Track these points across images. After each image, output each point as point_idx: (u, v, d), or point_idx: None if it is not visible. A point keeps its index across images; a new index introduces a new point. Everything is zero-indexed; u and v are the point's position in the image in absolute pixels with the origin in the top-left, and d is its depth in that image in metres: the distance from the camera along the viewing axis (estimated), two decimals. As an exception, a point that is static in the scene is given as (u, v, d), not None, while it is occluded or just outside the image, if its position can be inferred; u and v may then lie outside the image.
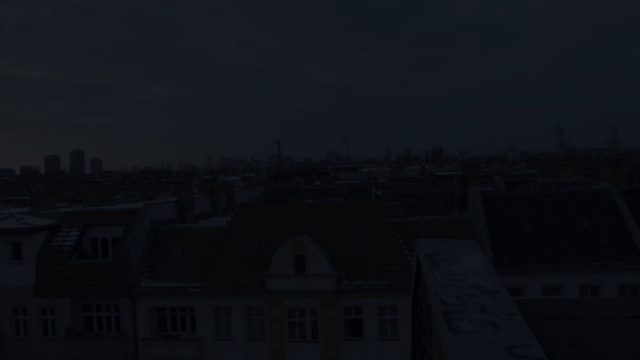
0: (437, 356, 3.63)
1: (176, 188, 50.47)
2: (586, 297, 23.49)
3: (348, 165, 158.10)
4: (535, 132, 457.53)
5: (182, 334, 26.37)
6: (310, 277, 24.96)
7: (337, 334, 24.82)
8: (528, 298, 22.72)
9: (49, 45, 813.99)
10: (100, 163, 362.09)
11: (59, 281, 26.93)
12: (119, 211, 29.77)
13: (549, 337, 3.78)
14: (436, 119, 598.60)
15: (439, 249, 4.64)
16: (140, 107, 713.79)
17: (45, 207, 33.22)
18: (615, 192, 27.10)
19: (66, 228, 28.68)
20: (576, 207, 26.73)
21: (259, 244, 26.60)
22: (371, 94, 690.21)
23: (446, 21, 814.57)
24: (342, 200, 37.83)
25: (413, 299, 5.36)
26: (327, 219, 27.10)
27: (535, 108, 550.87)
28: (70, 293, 26.83)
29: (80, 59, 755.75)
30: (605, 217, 26.10)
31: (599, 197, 27.21)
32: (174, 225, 29.68)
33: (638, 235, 24.95)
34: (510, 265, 24.39)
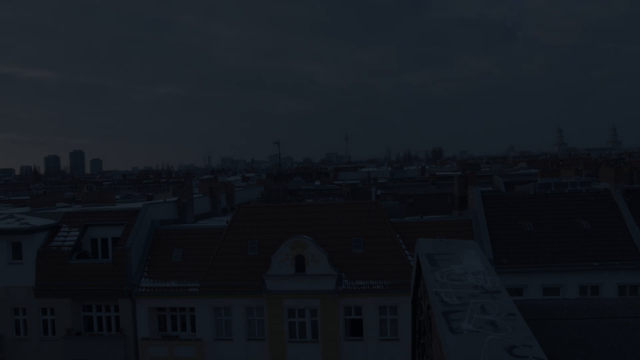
0: (437, 356, 3.63)
1: (176, 188, 50.49)
2: (586, 297, 23.48)
3: (348, 165, 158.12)
4: (535, 132, 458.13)
5: (182, 334, 26.36)
6: (310, 277, 24.96)
7: (337, 334, 24.81)
8: (528, 298, 22.72)
9: (48, 45, 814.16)
10: (100, 163, 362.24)
11: (59, 281, 26.92)
12: (119, 211, 29.77)
13: (549, 337, 3.78)
14: (436, 119, 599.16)
15: (439, 249, 4.64)
16: (140, 107, 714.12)
17: (45, 207, 33.21)
18: (615, 192, 27.09)
19: (66, 228, 28.67)
20: (576, 207, 26.72)
21: (259, 244, 26.59)
22: (371, 93, 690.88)
23: (446, 20, 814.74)
24: (342, 200, 37.85)
25: (413, 299, 5.35)
26: (327, 219, 27.09)
27: (536, 108, 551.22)
28: (70, 293, 26.83)
29: (80, 58, 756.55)
30: (605, 217, 26.09)
31: (599, 197, 27.21)
32: (174, 225, 29.67)
33: (638, 235, 24.94)
34: (510, 265, 24.39)
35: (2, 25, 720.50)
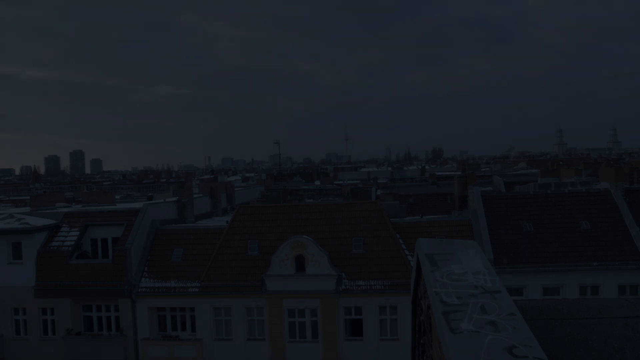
0: (437, 356, 3.62)
1: (176, 188, 50.45)
2: (586, 297, 23.47)
3: (348, 165, 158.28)
4: (535, 132, 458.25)
5: (182, 334, 26.36)
6: (310, 277, 24.95)
7: (337, 334, 24.80)
8: (528, 298, 22.71)
9: (48, 45, 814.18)
10: (100, 163, 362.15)
11: (59, 281, 26.91)
12: (119, 211, 29.76)
13: (549, 337, 3.78)
14: (436, 119, 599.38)
15: (439, 249, 4.64)
16: (140, 107, 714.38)
17: (45, 207, 33.21)
18: (615, 192, 27.08)
19: (66, 228, 28.66)
20: (576, 207, 26.71)
21: (259, 244, 26.59)
22: (371, 93, 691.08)
23: (446, 20, 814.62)
24: (342, 200, 37.82)
25: (413, 299, 5.35)
26: (327, 218, 27.08)
27: (536, 108, 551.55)
28: (70, 293, 26.82)
29: (80, 58, 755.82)
30: (605, 217, 26.09)
31: (599, 197, 27.20)
32: (174, 225, 29.67)
33: (638, 235, 24.93)
34: (510, 265, 24.38)
35: (2, 25, 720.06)
